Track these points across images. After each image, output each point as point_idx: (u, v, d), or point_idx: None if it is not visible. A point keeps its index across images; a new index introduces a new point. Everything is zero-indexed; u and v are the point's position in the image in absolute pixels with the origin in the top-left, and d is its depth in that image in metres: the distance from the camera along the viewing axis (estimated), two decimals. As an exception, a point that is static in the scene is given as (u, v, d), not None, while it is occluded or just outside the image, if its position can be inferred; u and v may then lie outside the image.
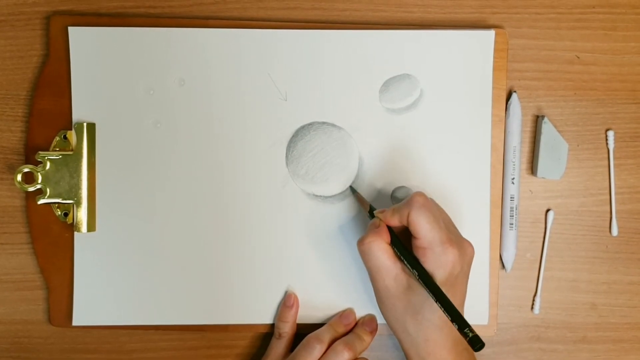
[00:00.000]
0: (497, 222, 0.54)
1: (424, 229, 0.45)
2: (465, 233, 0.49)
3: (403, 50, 0.53)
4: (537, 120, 0.55)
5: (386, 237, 0.48)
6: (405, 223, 0.47)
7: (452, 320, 0.42)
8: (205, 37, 0.53)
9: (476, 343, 0.41)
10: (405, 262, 0.47)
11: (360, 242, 0.48)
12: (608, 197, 0.55)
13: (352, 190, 0.53)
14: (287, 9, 0.55)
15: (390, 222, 0.48)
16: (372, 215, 0.50)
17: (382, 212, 0.49)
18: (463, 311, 0.49)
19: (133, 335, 0.55)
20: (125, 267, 0.53)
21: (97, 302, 0.53)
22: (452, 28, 0.54)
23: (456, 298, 0.46)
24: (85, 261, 0.53)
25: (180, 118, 0.53)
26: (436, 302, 0.44)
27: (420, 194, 0.47)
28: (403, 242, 0.48)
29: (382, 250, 0.47)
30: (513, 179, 0.54)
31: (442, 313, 0.43)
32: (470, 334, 0.41)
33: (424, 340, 0.47)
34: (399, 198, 0.53)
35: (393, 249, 0.48)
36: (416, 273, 0.46)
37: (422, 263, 0.46)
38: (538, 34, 0.55)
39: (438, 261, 0.45)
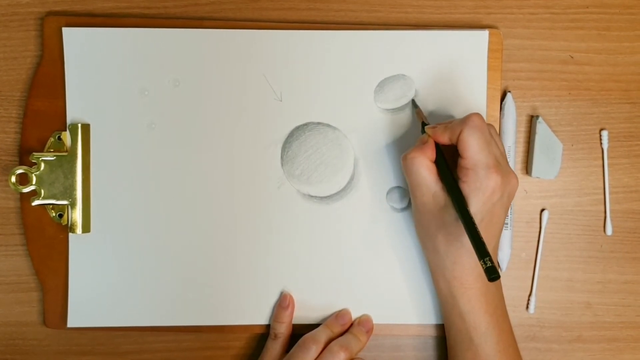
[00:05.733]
0: (492, 221, 0.54)
1: (472, 150, 0.45)
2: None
3: (398, 50, 0.53)
4: (532, 120, 0.55)
5: (430, 154, 0.48)
6: (454, 141, 0.46)
7: (474, 247, 0.42)
8: (200, 38, 0.53)
9: (491, 273, 0.41)
10: (443, 182, 0.47)
11: (404, 157, 0.48)
12: (602, 196, 0.55)
13: (414, 104, 0.53)
14: (282, 9, 0.55)
15: (439, 138, 0.48)
16: (424, 131, 0.50)
17: (432, 127, 0.48)
18: (498, 242, 0.49)
19: (128, 337, 0.55)
20: (120, 268, 0.53)
21: (92, 304, 0.53)
22: (447, 28, 0.54)
23: (491, 227, 0.47)
24: (80, 262, 0.53)
25: (175, 119, 0.53)
26: (464, 225, 0.44)
27: (478, 115, 0.46)
28: (447, 162, 0.48)
29: (423, 167, 0.47)
30: (508, 178, 0.54)
31: None
32: (488, 264, 0.41)
33: (451, 262, 0.47)
34: (394, 199, 0.54)
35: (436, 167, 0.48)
36: (451, 195, 0.46)
37: (462, 183, 0.46)
38: (532, 34, 0.55)
39: (478, 184, 0.45)
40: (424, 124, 0.50)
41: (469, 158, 0.45)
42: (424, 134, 0.49)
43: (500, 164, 0.46)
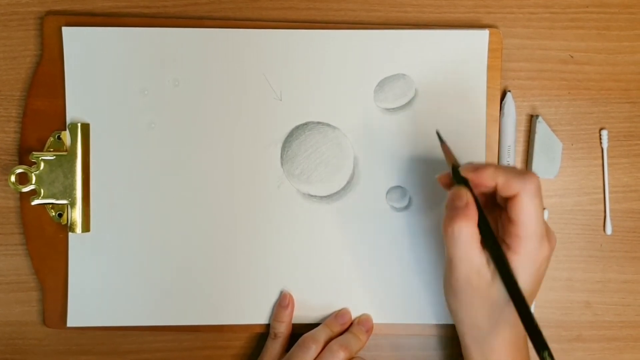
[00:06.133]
0: (492, 221, 0.54)
1: (531, 219, 0.40)
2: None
3: (398, 50, 0.53)
4: (532, 119, 0.55)
5: (474, 217, 0.41)
6: (505, 195, 0.40)
7: (531, 338, 0.39)
8: (200, 37, 0.53)
9: None
10: (491, 257, 0.41)
11: (449, 225, 0.40)
12: (602, 196, 0.55)
13: (440, 138, 0.46)
14: (281, 9, 0.55)
15: (485, 182, 0.41)
16: (455, 174, 0.42)
17: (474, 171, 0.41)
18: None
19: (128, 336, 0.55)
20: (120, 268, 0.53)
21: (91, 303, 0.53)
22: (447, 28, 0.54)
23: (534, 296, 0.44)
24: (80, 262, 0.53)
25: (175, 118, 0.53)
26: (519, 314, 0.40)
27: (538, 178, 0.40)
28: (490, 225, 0.41)
29: (471, 237, 0.40)
30: (508, 178, 0.54)
31: None
32: (548, 359, 0.38)
33: (493, 336, 0.43)
34: (394, 198, 0.54)
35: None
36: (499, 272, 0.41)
37: (512, 254, 0.40)
38: (532, 33, 0.55)
39: (532, 255, 0.40)
40: (455, 169, 0.43)
41: (525, 226, 0.40)
42: (459, 189, 0.42)
43: (547, 228, 0.42)
